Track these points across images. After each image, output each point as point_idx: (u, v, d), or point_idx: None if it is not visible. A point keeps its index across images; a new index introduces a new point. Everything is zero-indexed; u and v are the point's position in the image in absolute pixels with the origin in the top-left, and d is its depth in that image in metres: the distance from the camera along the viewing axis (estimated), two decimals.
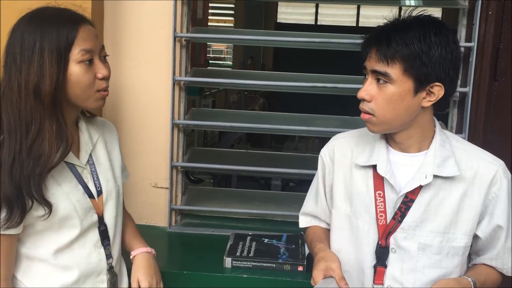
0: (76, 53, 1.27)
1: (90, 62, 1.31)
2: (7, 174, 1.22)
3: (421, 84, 1.25)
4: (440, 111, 1.63)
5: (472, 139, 1.96)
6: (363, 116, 1.32)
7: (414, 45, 1.23)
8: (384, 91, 1.27)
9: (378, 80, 1.28)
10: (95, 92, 1.33)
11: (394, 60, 1.24)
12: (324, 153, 1.51)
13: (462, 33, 2.02)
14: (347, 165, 1.44)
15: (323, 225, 1.56)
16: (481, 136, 2.01)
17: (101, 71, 1.32)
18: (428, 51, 1.23)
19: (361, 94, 1.30)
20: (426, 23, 1.26)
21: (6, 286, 1.30)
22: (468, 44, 1.94)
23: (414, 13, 1.30)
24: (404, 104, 1.27)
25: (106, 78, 1.34)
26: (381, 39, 1.26)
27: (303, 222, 1.60)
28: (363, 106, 1.31)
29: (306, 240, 1.59)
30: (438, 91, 1.27)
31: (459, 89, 1.98)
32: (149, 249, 1.56)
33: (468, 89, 1.95)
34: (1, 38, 1.84)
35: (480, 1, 1.90)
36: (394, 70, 1.24)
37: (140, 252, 1.53)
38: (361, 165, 1.40)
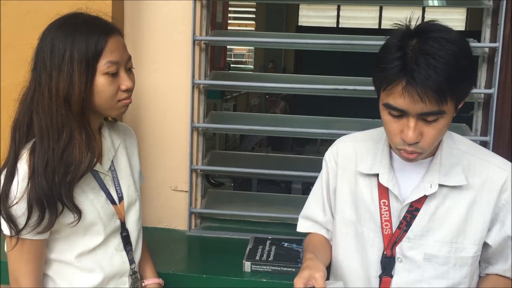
0: (102, 64, 1.27)
1: (115, 73, 1.30)
2: (41, 178, 1.21)
3: (463, 100, 1.18)
4: (464, 113, 1.59)
5: (497, 142, 1.91)
6: (410, 156, 1.19)
7: (460, 67, 1.10)
8: (435, 126, 1.15)
9: (424, 119, 1.14)
10: (117, 102, 1.33)
11: (452, 94, 1.10)
12: (329, 157, 1.46)
13: (486, 33, 1.98)
14: (352, 170, 1.39)
15: (323, 232, 1.50)
16: (507, 139, 1.95)
17: (125, 83, 1.32)
18: (467, 64, 1.13)
19: (413, 139, 1.15)
20: (444, 34, 1.12)
21: None
22: (492, 45, 1.90)
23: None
24: (449, 125, 1.19)
25: (129, 90, 1.34)
26: (438, 79, 1.07)
27: (302, 226, 1.53)
28: (413, 149, 1.17)
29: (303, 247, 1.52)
30: (468, 95, 1.20)
31: (483, 90, 1.95)
32: (160, 280, 1.60)
33: (493, 91, 1.90)
34: (1, 39, 1.88)
35: (505, 1, 1.85)
36: (448, 105, 1.12)
37: (152, 283, 1.57)
38: (364, 173, 1.35)
